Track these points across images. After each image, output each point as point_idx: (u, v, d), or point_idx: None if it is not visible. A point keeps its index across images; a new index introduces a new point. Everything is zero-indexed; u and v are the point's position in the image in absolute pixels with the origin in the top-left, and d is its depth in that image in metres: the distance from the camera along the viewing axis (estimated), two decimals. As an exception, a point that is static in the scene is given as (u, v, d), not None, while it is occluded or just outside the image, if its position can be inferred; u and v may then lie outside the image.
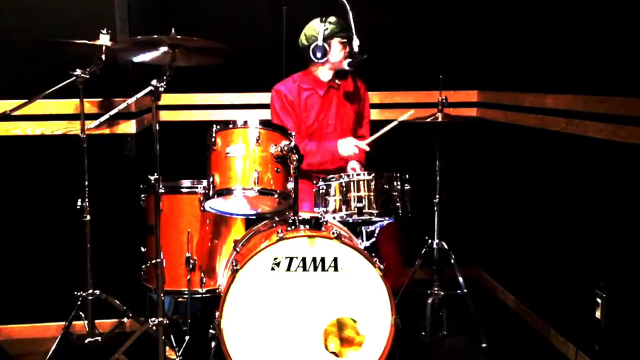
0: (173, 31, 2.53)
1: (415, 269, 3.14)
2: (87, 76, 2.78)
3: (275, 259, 2.44)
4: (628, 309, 2.50)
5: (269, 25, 3.70)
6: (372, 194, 2.76)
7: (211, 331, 2.57)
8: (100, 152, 3.03)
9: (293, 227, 2.56)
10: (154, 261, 2.54)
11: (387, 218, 2.82)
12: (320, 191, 2.81)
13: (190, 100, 3.75)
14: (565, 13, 2.92)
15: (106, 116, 2.76)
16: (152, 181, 2.56)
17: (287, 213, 2.74)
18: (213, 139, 2.65)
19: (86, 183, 2.82)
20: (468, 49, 3.87)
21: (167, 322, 2.57)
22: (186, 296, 2.90)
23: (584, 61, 2.76)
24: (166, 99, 3.59)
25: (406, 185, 2.84)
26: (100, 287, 2.91)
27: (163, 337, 2.53)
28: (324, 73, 3.26)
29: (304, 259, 2.45)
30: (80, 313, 2.91)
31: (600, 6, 2.63)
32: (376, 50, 3.20)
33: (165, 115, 3.70)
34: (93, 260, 2.87)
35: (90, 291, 2.88)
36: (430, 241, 3.13)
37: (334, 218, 2.77)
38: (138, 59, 2.74)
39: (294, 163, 2.55)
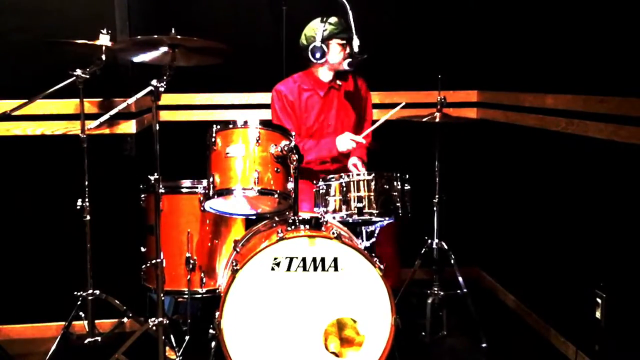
0: (173, 31, 2.52)
1: (415, 269, 3.14)
2: (87, 76, 2.78)
3: (275, 259, 2.44)
4: (628, 309, 2.50)
5: (269, 25, 3.70)
6: (372, 194, 2.76)
7: (211, 331, 2.57)
8: (100, 152, 3.03)
9: (293, 227, 2.56)
10: (154, 261, 2.54)
11: (387, 218, 2.82)
12: (320, 191, 2.81)
13: (190, 100, 3.76)
14: (565, 13, 2.92)
15: (106, 116, 2.75)
16: (152, 181, 2.56)
17: (287, 213, 2.74)
18: (213, 139, 2.65)
19: (86, 183, 2.82)
20: (468, 49, 3.87)
21: (167, 322, 2.57)
22: (186, 296, 2.90)
23: (584, 61, 2.76)
24: (166, 99, 3.59)
25: (406, 185, 2.84)
26: (100, 287, 2.91)
27: (163, 337, 2.53)
28: (324, 73, 3.26)
29: (304, 259, 2.45)
30: (80, 313, 2.91)
31: (600, 6, 2.63)
32: (376, 50, 3.20)
33: (165, 115, 3.70)
34: (93, 260, 2.87)
35: (90, 291, 2.88)
36: (430, 241, 3.13)
37: (334, 218, 2.77)
38: (138, 59, 2.73)
39: (294, 163, 2.55)
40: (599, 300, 2.64)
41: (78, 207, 2.83)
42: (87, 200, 2.83)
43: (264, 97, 3.76)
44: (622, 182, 2.52)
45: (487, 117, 3.77)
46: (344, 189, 2.77)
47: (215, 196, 2.64)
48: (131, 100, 2.70)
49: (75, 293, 2.88)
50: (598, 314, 2.64)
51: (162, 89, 2.45)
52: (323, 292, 2.46)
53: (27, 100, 2.77)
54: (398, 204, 2.80)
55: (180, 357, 2.82)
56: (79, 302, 2.89)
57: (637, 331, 2.45)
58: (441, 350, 3.07)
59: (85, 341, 2.89)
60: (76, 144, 2.81)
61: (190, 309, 2.95)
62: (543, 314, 3.20)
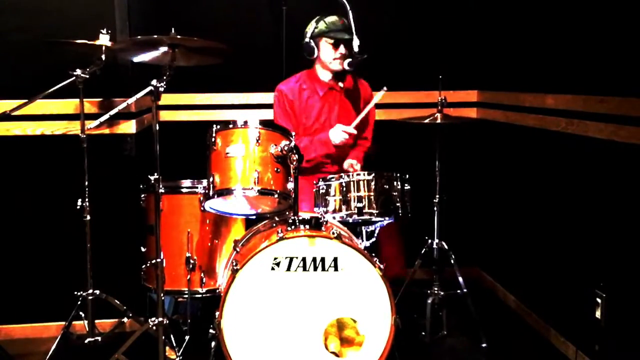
0: (173, 31, 2.52)
1: (415, 269, 3.14)
2: (87, 76, 2.78)
3: (275, 259, 2.44)
4: (628, 309, 2.50)
5: (269, 25, 3.70)
6: (372, 194, 2.76)
7: (211, 331, 2.57)
8: (100, 152, 3.03)
9: (293, 227, 2.56)
10: (154, 261, 2.54)
11: (387, 218, 2.82)
12: (320, 191, 2.81)
13: (190, 100, 3.75)
14: (565, 13, 2.92)
15: (106, 116, 2.76)
16: (152, 181, 2.56)
17: (287, 213, 2.74)
18: (213, 139, 2.66)
19: (86, 183, 2.82)
20: (468, 49, 3.87)
21: (167, 322, 2.57)
22: (186, 296, 2.90)
23: (584, 61, 2.76)
24: (166, 99, 3.59)
25: (406, 185, 2.84)
26: (100, 287, 2.91)
27: (163, 337, 2.53)
28: (323, 73, 3.27)
29: (304, 259, 2.45)
30: (80, 313, 2.91)
31: (600, 6, 2.63)
32: (376, 50, 3.19)
33: (165, 115, 3.70)
34: (93, 260, 2.87)
35: (90, 291, 2.88)
36: (430, 241, 3.13)
37: (334, 218, 2.77)
38: (138, 59, 2.74)
39: (294, 163, 2.55)
40: (599, 300, 2.64)
41: (78, 207, 2.83)
42: (87, 200, 2.83)
43: (264, 97, 3.76)
44: (622, 182, 2.52)
45: (487, 117, 3.77)
46: (344, 189, 2.77)
47: (215, 196, 2.64)
48: (131, 100, 2.70)
49: (75, 293, 2.89)
50: (598, 314, 2.64)
51: (162, 89, 2.44)
52: (323, 292, 2.46)
53: (27, 100, 2.77)
54: (398, 204, 2.80)
55: (180, 357, 2.82)
56: (79, 302, 2.89)
57: (637, 331, 2.45)
58: (441, 350, 3.07)
59: (85, 341, 2.89)
60: (76, 144, 2.81)
61: (190, 309, 2.95)
62: (543, 314, 3.20)
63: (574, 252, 2.87)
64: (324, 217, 2.62)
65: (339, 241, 2.46)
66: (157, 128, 2.47)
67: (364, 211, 2.74)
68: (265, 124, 2.66)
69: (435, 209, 3.09)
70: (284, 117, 3.23)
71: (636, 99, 2.38)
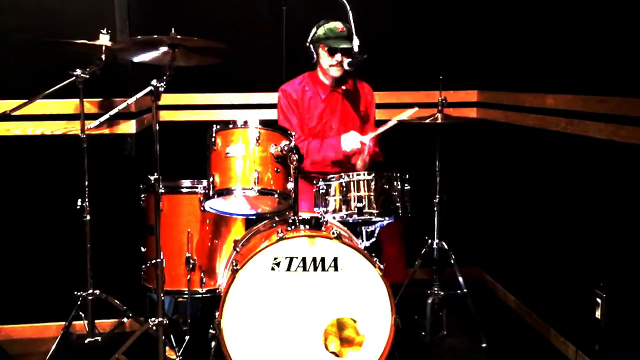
0: (173, 31, 2.53)
1: (415, 269, 3.14)
2: (87, 76, 2.78)
3: (275, 259, 2.44)
4: (628, 309, 2.50)
5: (269, 25, 3.70)
6: (372, 194, 2.76)
7: (211, 331, 2.57)
8: (100, 152, 3.03)
9: (293, 227, 2.56)
10: (154, 261, 2.54)
11: (387, 218, 2.82)
12: (320, 191, 2.81)
13: (190, 100, 3.75)
14: (565, 13, 2.92)
15: (106, 116, 2.76)
16: (152, 181, 2.56)
17: (287, 213, 2.74)
18: (213, 139, 2.66)
19: (86, 183, 2.82)
20: (468, 49, 3.87)
21: (167, 322, 2.57)
22: (186, 296, 2.90)
23: (584, 61, 2.76)
24: (166, 99, 3.59)
25: (406, 185, 2.84)
26: (100, 287, 2.91)
27: (163, 337, 2.53)
28: (325, 76, 3.26)
29: (304, 259, 2.45)
30: (80, 313, 2.91)
31: (600, 6, 2.63)
32: (376, 50, 3.19)
33: (165, 115, 3.70)
34: (93, 260, 2.87)
35: (90, 291, 2.88)
36: (430, 241, 3.13)
37: (334, 218, 2.77)
38: (138, 59, 2.74)
39: (294, 163, 2.55)
40: (599, 300, 2.64)
41: (78, 207, 2.83)
42: (87, 200, 2.83)
43: (264, 97, 3.76)
44: (622, 182, 2.52)
45: (487, 117, 3.77)
46: (344, 188, 2.77)
47: (215, 196, 2.64)
48: (131, 100, 2.70)
49: (75, 293, 2.88)
50: (598, 314, 2.64)
51: (162, 89, 2.45)
52: (323, 292, 2.46)
53: (27, 100, 2.77)
54: (398, 204, 2.80)
55: (180, 357, 2.82)
56: (79, 302, 2.89)
57: (637, 331, 2.45)
58: (441, 350, 3.07)
59: (85, 341, 2.89)
60: (76, 144, 2.81)
61: (190, 309, 2.95)
62: (543, 314, 3.20)
63: (574, 252, 2.87)
64: (324, 217, 2.62)
65: (339, 241, 2.46)
66: (157, 128, 2.47)
67: (364, 211, 2.74)
68: (265, 124, 2.66)
69: (435, 209, 3.09)
70: (291, 114, 3.22)
71: (636, 99, 2.38)
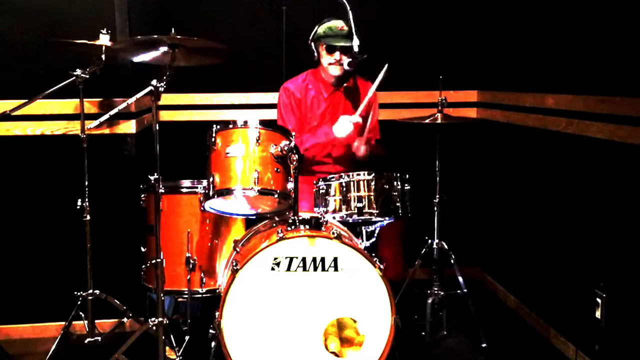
0: (173, 31, 2.53)
1: (415, 269, 3.14)
2: (87, 76, 2.78)
3: (275, 259, 2.44)
4: (628, 309, 2.50)
5: (269, 25, 3.70)
6: (372, 193, 2.76)
7: (211, 331, 2.57)
8: (100, 152, 3.03)
9: (293, 227, 2.56)
10: (154, 261, 2.54)
11: (387, 218, 2.82)
12: (320, 191, 2.81)
13: (190, 100, 3.76)
14: (565, 13, 2.92)
15: (106, 116, 2.76)
16: (152, 181, 2.56)
17: (287, 213, 2.74)
18: (213, 139, 2.66)
19: (86, 183, 2.82)
20: (468, 49, 3.87)
21: (167, 322, 2.57)
22: (186, 296, 2.90)
23: (584, 61, 2.76)
24: (166, 99, 3.60)
25: (406, 185, 2.84)
26: (100, 287, 2.91)
27: (163, 337, 2.53)
28: (326, 74, 3.26)
29: (304, 259, 2.45)
30: (80, 313, 2.90)
31: (600, 6, 2.63)
32: (376, 50, 3.19)
33: (165, 115, 3.70)
34: (93, 260, 2.87)
35: (90, 291, 2.88)
36: (430, 241, 3.13)
37: (334, 218, 2.77)
38: (138, 59, 2.74)
39: (294, 163, 2.55)
40: (599, 300, 2.64)
41: (78, 207, 2.83)
42: (87, 200, 2.83)
43: (264, 97, 3.76)
44: (622, 182, 2.51)
45: (487, 117, 3.77)
46: (344, 188, 2.77)
47: (215, 196, 2.64)
48: (131, 100, 2.71)
49: (75, 293, 2.88)
50: (598, 314, 2.64)
51: (162, 89, 2.44)
52: (323, 292, 2.46)
53: (27, 100, 2.77)
54: (398, 204, 2.80)
55: (180, 357, 2.82)
56: (79, 302, 2.89)
57: (637, 331, 2.45)
58: (441, 350, 3.07)
59: (86, 341, 2.89)
60: (76, 144, 2.81)
61: (190, 309, 2.95)
62: (543, 314, 3.20)
63: (574, 252, 2.87)
64: (324, 217, 2.62)
65: (339, 241, 2.46)
66: (157, 128, 2.47)
67: (364, 211, 2.74)
68: (265, 124, 2.66)
69: (435, 209, 3.08)
70: (290, 115, 3.22)
71: (636, 99, 2.38)
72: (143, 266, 2.95)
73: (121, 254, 3.18)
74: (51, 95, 2.76)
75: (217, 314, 2.44)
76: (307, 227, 2.55)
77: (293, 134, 2.70)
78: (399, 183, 2.82)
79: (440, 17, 3.85)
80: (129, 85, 3.10)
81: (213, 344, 2.62)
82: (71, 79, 2.77)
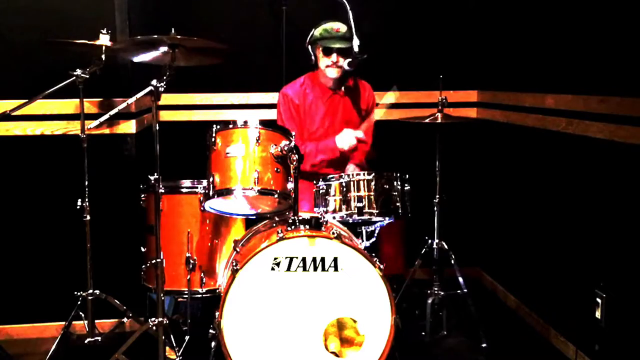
0: (173, 31, 2.53)
1: (415, 269, 3.14)
2: (87, 76, 2.78)
3: (275, 259, 2.44)
4: (628, 309, 2.50)
5: (269, 25, 3.70)
6: (372, 193, 2.76)
7: (211, 331, 2.57)
8: (100, 152, 3.03)
9: (293, 227, 2.56)
10: (154, 261, 2.54)
11: (387, 218, 2.82)
12: (320, 191, 2.81)
13: (190, 100, 3.76)
14: (565, 13, 2.92)
15: (106, 116, 2.75)
16: (152, 181, 2.56)
17: (287, 213, 2.74)
18: (213, 139, 2.65)
19: (86, 183, 2.82)
20: (468, 49, 3.87)
21: (167, 322, 2.57)
22: (186, 296, 2.90)
23: (584, 61, 2.76)
24: (166, 99, 3.60)
25: (406, 185, 2.84)
26: (100, 287, 2.91)
27: (163, 337, 2.53)
28: (324, 77, 3.25)
29: (304, 259, 2.45)
30: (80, 313, 2.90)
31: (600, 6, 2.63)
32: (376, 50, 3.19)
33: (165, 115, 3.70)
34: (93, 260, 2.87)
35: (90, 291, 2.88)
36: (430, 241, 3.13)
37: (334, 218, 2.77)
38: (138, 59, 2.74)
39: (294, 163, 2.55)
40: (599, 300, 2.64)
41: (78, 207, 2.83)
42: (87, 200, 2.83)
43: (264, 97, 3.76)
44: (622, 182, 2.52)
45: (487, 117, 3.77)
46: (344, 188, 2.77)
47: (215, 196, 2.64)
48: (131, 100, 2.70)
49: (75, 293, 2.88)
50: (598, 314, 2.64)
51: (162, 89, 2.45)
52: (323, 292, 2.46)
53: (27, 100, 2.77)
54: (398, 204, 2.80)
55: (180, 357, 2.82)
56: (79, 302, 2.89)
57: (637, 331, 2.45)
58: (441, 350, 3.07)
59: (86, 341, 2.89)
60: (76, 144, 2.81)
61: (190, 309, 2.95)
62: (543, 314, 3.20)
63: (574, 252, 2.87)
64: (324, 217, 2.62)
65: (339, 241, 2.46)
66: (157, 128, 2.47)
67: (364, 211, 2.74)
68: (265, 124, 2.66)
69: (435, 209, 3.08)
70: (290, 121, 3.21)
71: (636, 98, 2.38)
72: (143, 266, 2.95)
73: (121, 254, 3.18)
74: (51, 95, 2.76)
75: (217, 314, 2.44)
76: (307, 227, 2.55)
77: (293, 133, 2.69)
78: (399, 183, 2.82)
79: (440, 17, 3.85)
80: (129, 85, 3.10)
81: (213, 344, 2.62)
82: (71, 79, 2.77)
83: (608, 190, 2.61)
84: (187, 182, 3.11)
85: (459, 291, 3.09)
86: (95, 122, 2.75)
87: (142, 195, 2.98)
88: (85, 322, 2.91)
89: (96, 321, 2.92)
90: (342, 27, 3.11)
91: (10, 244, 3.18)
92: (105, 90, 3.10)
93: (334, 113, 3.27)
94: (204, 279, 2.89)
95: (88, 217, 2.84)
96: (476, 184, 3.96)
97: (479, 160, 3.94)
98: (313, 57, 3.21)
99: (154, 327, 2.54)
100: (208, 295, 2.90)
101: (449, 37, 3.86)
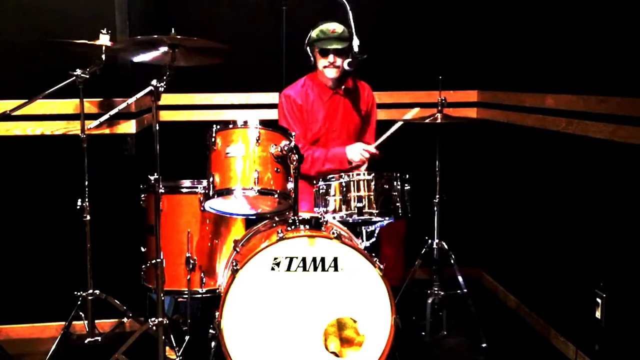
0: (173, 31, 2.53)
1: (415, 269, 3.14)
2: (87, 76, 2.78)
3: (275, 259, 2.44)
4: (628, 309, 2.50)
5: (269, 25, 3.70)
6: (372, 193, 2.76)
7: (211, 331, 2.57)
8: (100, 152, 3.03)
9: (293, 227, 2.56)
10: (154, 261, 2.54)
11: (387, 218, 2.82)
12: (320, 191, 2.81)
13: (190, 100, 3.76)
14: (565, 13, 2.92)
15: (106, 116, 2.76)
16: (152, 181, 2.56)
17: (287, 213, 2.74)
18: (213, 139, 2.66)
19: (86, 183, 2.82)
20: (468, 49, 3.87)
21: (167, 322, 2.57)
22: (186, 296, 2.90)
23: (584, 61, 2.76)
24: (166, 99, 3.60)
25: (406, 185, 2.84)
26: (100, 287, 2.91)
27: (163, 337, 2.53)
28: (323, 77, 3.25)
29: (304, 259, 2.45)
30: (80, 313, 2.90)
31: (600, 6, 2.63)
32: (376, 50, 3.19)
33: (165, 115, 3.70)
34: (93, 260, 2.87)
35: (90, 291, 2.88)
36: (430, 241, 3.13)
37: (334, 218, 2.77)
38: (138, 59, 2.74)
39: (294, 163, 2.55)
40: (599, 300, 2.64)
41: (78, 207, 2.83)
42: (87, 200, 2.83)
43: (264, 97, 3.76)
44: (622, 182, 2.52)
45: (487, 117, 3.77)
46: (344, 188, 2.77)
47: (215, 196, 2.64)
48: (131, 100, 2.70)
49: (75, 293, 2.88)
50: (598, 314, 2.64)
51: (162, 89, 2.45)
52: (323, 292, 2.46)
53: (27, 100, 2.77)
54: (398, 204, 2.80)
55: (180, 357, 2.82)
56: (79, 302, 2.89)
57: (637, 331, 2.45)
58: (441, 350, 3.07)
59: (86, 341, 2.89)
60: (76, 144, 2.81)
61: (190, 309, 2.95)
62: (543, 314, 3.20)
63: (574, 252, 2.87)
64: (324, 217, 2.62)
65: (339, 241, 2.46)
66: (157, 128, 2.47)
67: (364, 211, 2.75)
68: (265, 124, 2.66)
69: (435, 209, 3.08)
70: (295, 122, 3.20)
71: (636, 98, 2.38)
72: (143, 266, 2.95)
73: (121, 254, 3.18)
74: (51, 95, 2.76)
75: (217, 314, 2.44)
76: (307, 227, 2.55)
77: (293, 134, 2.69)
78: (399, 183, 2.82)
79: (440, 17, 3.85)
80: (129, 85, 3.10)
81: (213, 344, 2.62)
82: (71, 79, 2.77)
83: (608, 191, 2.61)
84: (187, 182, 3.11)
85: (459, 291, 3.09)
86: (95, 122, 2.75)
87: (142, 195, 2.98)
88: (85, 322, 2.91)
89: (96, 321, 2.92)
90: (338, 28, 3.11)
91: (11, 244, 3.17)
92: (105, 90, 3.10)
93: (334, 113, 3.27)
94: (204, 279, 2.89)
95: (88, 217, 2.84)
96: (476, 184, 3.96)
97: (479, 160, 3.94)
98: (312, 59, 3.21)
99: (154, 327, 2.54)
100: (208, 295, 2.90)
101: (448, 37, 3.86)
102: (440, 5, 3.84)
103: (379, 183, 2.77)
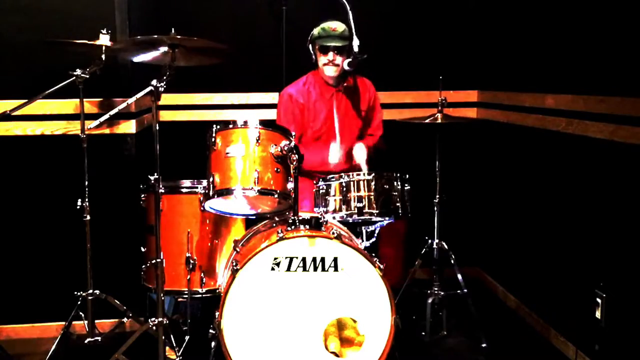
0: (173, 31, 2.53)
1: (415, 269, 3.14)
2: (87, 76, 2.78)
3: (275, 259, 2.44)
4: (628, 309, 2.50)
5: (269, 25, 3.70)
6: (372, 194, 2.76)
7: (211, 331, 2.57)
8: (100, 152, 3.03)
9: (293, 227, 2.56)
10: (154, 261, 2.54)
11: (387, 218, 2.82)
12: (320, 191, 2.81)
13: (190, 100, 3.75)
14: (565, 13, 2.92)
15: (106, 116, 2.76)
16: (152, 181, 2.56)
17: (287, 213, 2.74)
18: (213, 139, 2.66)
19: (86, 183, 2.82)
20: (468, 49, 3.87)
21: (167, 322, 2.57)
22: (186, 296, 2.90)
23: (584, 61, 2.76)
24: (166, 99, 3.60)
25: (406, 185, 2.84)
26: (100, 287, 2.91)
27: (163, 337, 2.53)
28: (323, 75, 3.25)
29: (304, 259, 2.45)
30: (80, 313, 2.90)
31: (600, 6, 2.63)
32: (377, 50, 3.19)
33: (165, 115, 3.70)
34: (93, 260, 2.87)
35: (90, 291, 2.88)
36: (430, 241, 3.13)
37: (334, 218, 2.77)
38: (138, 59, 2.74)
39: (294, 163, 2.55)
40: (599, 300, 2.64)
41: (78, 207, 2.83)
42: (87, 200, 2.83)
43: (264, 97, 3.76)
44: (622, 182, 2.52)
45: (487, 117, 3.77)
46: (344, 188, 2.77)
47: (215, 196, 2.64)
48: (131, 100, 2.70)
49: (75, 293, 2.88)
50: (598, 314, 2.64)
51: (162, 89, 2.45)
52: (323, 292, 2.46)
53: (27, 100, 2.77)
54: (398, 204, 2.80)
55: (180, 357, 2.82)
56: (79, 302, 2.89)
57: (637, 331, 2.45)
58: (441, 350, 3.07)
59: (86, 341, 2.89)
60: (76, 144, 2.81)
61: (190, 309, 2.95)
62: (543, 314, 3.20)
63: (574, 252, 2.87)
64: (324, 217, 2.62)
65: (339, 241, 2.46)
66: (157, 128, 2.47)
67: (364, 211, 2.75)
68: (265, 123, 2.66)
69: (435, 209, 3.09)
70: (292, 122, 3.21)
71: (636, 98, 2.38)
72: (143, 266, 2.95)
73: (121, 254, 3.18)
74: (51, 95, 2.76)
75: (217, 314, 2.44)
76: (307, 227, 2.55)
77: (293, 134, 2.70)
78: (399, 183, 2.82)
79: (440, 17, 3.85)
80: (129, 85, 3.10)
81: (213, 344, 2.62)
82: (71, 79, 2.77)
83: (608, 191, 2.61)
84: (187, 182, 3.11)
85: (459, 291, 3.09)
86: (95, 122, 2.75)
87: (142, 195, 2.98)
88: (85, 322, 2.91)
89: (96, 321, 2.92)
90: (339, 26, 3.12)
91: (11, 244, 3.17)
92: (105, 90, 3.10)
93: (336, 110, 3.27)
94: (204, 279, 2.89)
95: (88, 217, 2.84)
96: (476, 184, 3.96)
97: (479, 160, 3.94)
98: (313, 56, 3.22)
99: (154, 327, 2.54)
100: (208, 295, 2.90)
101: (448, 37, 3.86)
102: (440, 5, 3.84)
103: (379, 183, 2.77)
